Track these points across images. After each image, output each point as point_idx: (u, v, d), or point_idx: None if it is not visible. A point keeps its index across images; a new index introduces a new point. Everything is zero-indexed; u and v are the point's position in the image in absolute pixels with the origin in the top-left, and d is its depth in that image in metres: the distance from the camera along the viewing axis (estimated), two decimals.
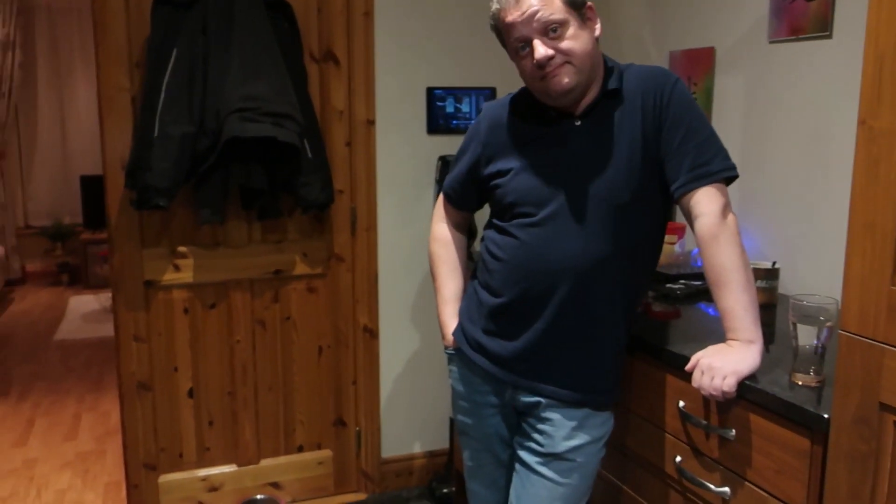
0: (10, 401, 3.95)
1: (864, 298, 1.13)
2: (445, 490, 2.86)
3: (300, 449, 2.82)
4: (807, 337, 1.37)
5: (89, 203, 6.45)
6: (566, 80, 1.51)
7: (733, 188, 1.94)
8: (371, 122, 2.71)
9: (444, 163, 2.67)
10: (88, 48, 6.44)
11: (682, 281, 2.14)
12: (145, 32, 2.38)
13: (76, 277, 6.65)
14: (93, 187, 6.24)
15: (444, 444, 2.99)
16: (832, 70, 1.94)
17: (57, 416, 3.75)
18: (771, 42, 2.14)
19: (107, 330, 4.96)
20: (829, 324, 1.34)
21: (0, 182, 6.41)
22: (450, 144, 2.77)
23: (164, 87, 2.31)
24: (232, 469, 2.74)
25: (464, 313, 1.76)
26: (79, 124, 6.70)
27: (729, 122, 2.30)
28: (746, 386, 1.41)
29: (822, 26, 1.96)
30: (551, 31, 1.49)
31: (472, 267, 1.80)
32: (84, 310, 5.81)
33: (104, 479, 3.09)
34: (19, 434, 3.54)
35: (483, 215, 1.78)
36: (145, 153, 2.31)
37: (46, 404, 3.91)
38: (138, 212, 2.45)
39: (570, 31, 1.50)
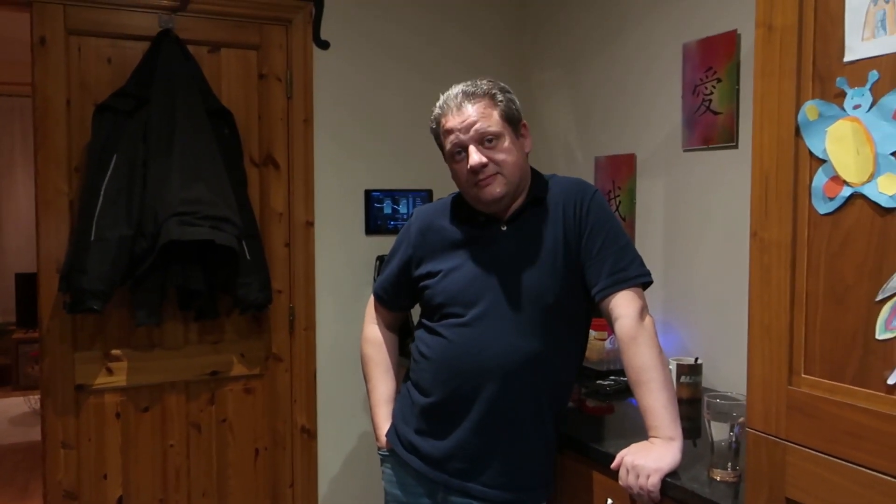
0: None
1: (766, 397, 1.20)
2: None
3: None
4: (721, 433, 1.43)
5: (23, 301, 6.26)
6: (497, 189, 1.61)
7: (658, 285, 2.03)
8: (310, 224, 2.76)
9: (382, 262, 2.72)
10: (29, 147, 6.41)
11: (611, 377, 2.20)
12: (85, 138, 2.43)
13: (6, 378, 6.38)
14: (27, 285, 6.06)
15: None
16: (739, 178, 2.08)
17: None
18: (685, 150, 2.29)
19: (36, 434, 4.71)
20: (741, 420, 1.41)
21: None
22: (387, 245, 2.75)
23: (102, 192, 2.34)
24: None
25: (397, 414, 1.78)
26: (17, 221, 6.59)
27: (651, 222, 2.43)
28: (668, 483, 1.45)
29: (729, 137, 2.11)
30: (487, 141, 1.59)
31: (407, 365, 1.84)
32: (12, 413, 5.56)
33: None
34: None
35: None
36: (81, 256, 2.31)
37: None
38: (71, 315, 2.42)
39: (505, 143, 1.61)
